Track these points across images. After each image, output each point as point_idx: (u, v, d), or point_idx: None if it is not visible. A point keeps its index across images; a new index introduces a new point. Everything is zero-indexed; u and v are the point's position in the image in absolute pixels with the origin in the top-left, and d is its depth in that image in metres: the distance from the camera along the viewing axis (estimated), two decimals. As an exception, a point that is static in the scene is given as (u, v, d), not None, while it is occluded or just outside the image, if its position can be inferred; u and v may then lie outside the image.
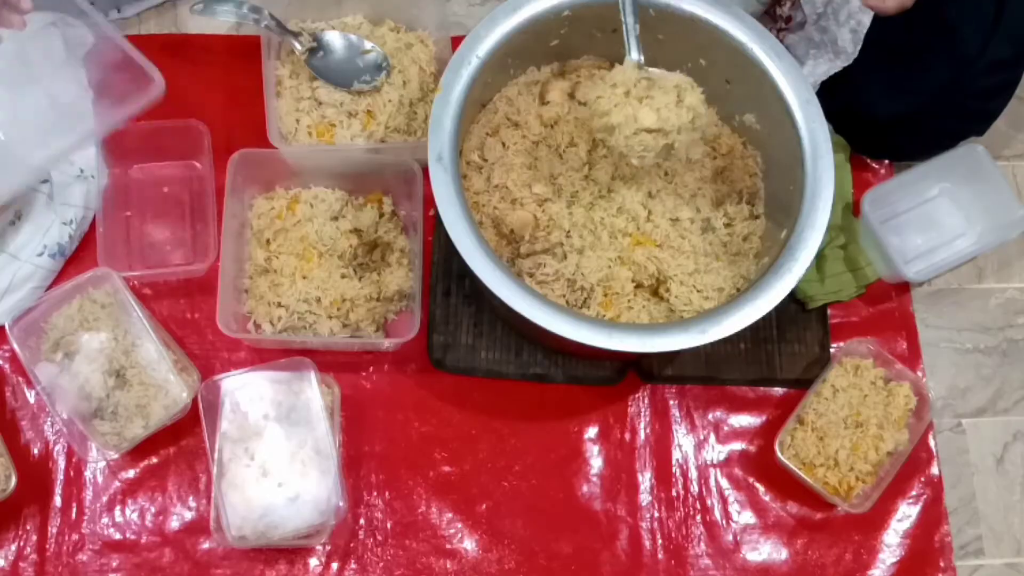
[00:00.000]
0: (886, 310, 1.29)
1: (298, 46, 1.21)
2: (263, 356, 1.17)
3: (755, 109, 1.15)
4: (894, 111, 1.21)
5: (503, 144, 1.16)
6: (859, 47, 1.18)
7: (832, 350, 1.23)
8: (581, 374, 1.19)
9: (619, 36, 1.09)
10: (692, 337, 0.99)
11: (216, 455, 1.07)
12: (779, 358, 1.21)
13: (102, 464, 1.14)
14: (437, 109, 1.03)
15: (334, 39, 1.24)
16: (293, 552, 1.12)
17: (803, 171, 1.06)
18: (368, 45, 1.24)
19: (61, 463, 1.14)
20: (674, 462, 1.20)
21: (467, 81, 1.05)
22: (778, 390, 1.23)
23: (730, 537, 1.17)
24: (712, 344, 0.99)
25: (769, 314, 1.00)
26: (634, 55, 1.04)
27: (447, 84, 1.04)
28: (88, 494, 1.13)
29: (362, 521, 1.14)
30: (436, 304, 1.19)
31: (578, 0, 1.10)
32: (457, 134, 1.03)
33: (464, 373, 1.19)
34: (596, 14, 1.11)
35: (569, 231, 1.11)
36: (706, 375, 1.21)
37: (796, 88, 1.08)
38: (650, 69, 1.04)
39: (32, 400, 1.15)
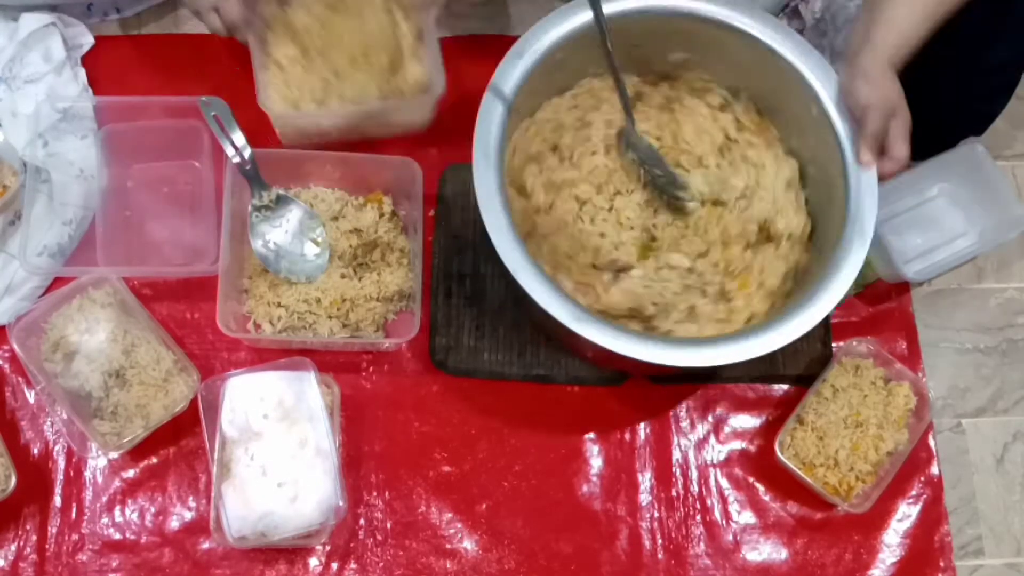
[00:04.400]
0: (886, 310, 1.29)
1: (256, 199, 1.15)
2: (263, 356, 1.17)
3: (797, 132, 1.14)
4: None
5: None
6: None
7: (832, 349, 1.23)
8: (584, 375, 1.19)
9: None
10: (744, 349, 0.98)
11: (216, 455, 1.07)
12: (781, 354, 1.21)
13: (102, 464, 1.14)
14: (486, 109, 1.00)
15: (293, 211, 1.17)
16: (293, 552, 1.12)
17: (846, 189, 1.05)
18: (319, 235, 1.17)
19: (61, 463, 1.14)
20: (674, 462, 1.20)
21: (517, 80, 1.02)
22: (778, 390, 1.23)
23: (730, 537, 1.18)
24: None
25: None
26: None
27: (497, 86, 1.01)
28: (88, 494, 1.13)
29: (362, 521, 1.14)
30: (437, 306, 1.19)
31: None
32: (504, 138, 1.01)
33: (467, 375, 1.19)
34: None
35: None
36: (711, 373, 1.21)
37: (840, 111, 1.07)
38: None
39: (32, 400, 1.15)
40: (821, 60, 1.07)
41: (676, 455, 1.20)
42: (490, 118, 1.01)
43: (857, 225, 1.02)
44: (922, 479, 1.21)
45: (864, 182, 1.04)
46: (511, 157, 1.11)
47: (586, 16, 1.05)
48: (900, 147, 1.04)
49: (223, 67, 1.30)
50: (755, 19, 1.08)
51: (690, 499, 1.19)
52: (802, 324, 0.98)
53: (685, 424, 1.21)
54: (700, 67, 1.15)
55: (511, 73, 1.02)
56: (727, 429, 1.22)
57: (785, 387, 1.24)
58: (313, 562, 1.12)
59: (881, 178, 1.07)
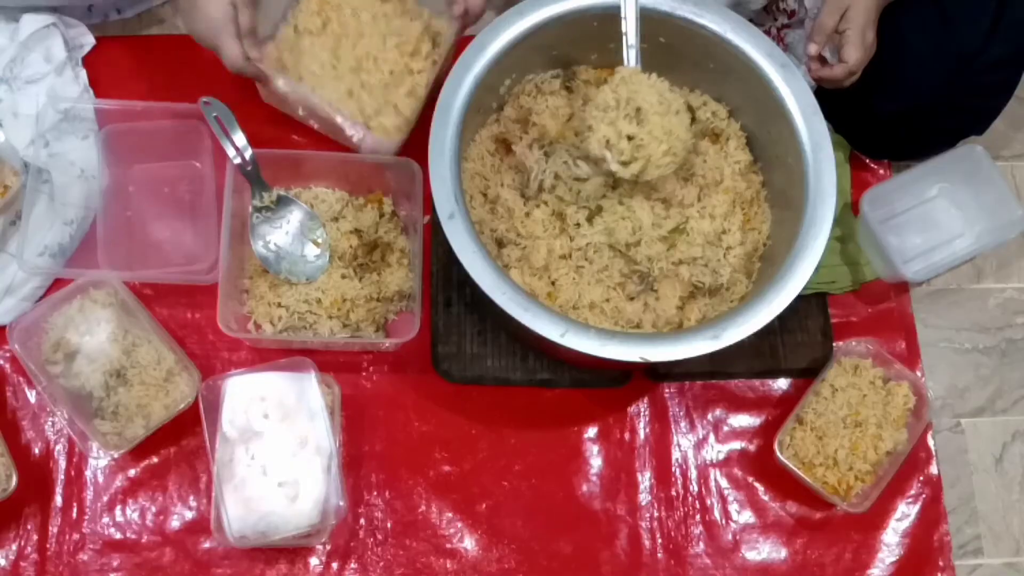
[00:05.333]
0: (885, 310, 1.29)
1: (257, 200, 1.15)
2: (263, 356, 1.17)
3: (753, 111, 1.16)
4: (894, 109, 1.22)
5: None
6: None
7: (833, 340, 1.23)
8: (588, 378, 1.19)
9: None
10: (707, 343, 1.00)
11: (216, 455, 1.07)
12: (783, 348, 1.22)
13: (103, 464, 1.14)
14: (436, 164, 1.02)
15: (293, 212, 1.17)
16: (293, 552, 1.12)
17: (804, 168, 1.07)
18: (320, 236, 1.17)
19: (62, 463, 1.14)
20: (674, 462, 1.20)
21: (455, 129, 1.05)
22: (777, 389, 1.24)
23: (729, 536, 1.18)
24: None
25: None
26: (632, 63, 1.05)
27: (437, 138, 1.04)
28: (89, 494, 1.13)
29: (362, 521, 1.15)
30: (439, 315, 1.19)
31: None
32: (459, 181, 1.03)
33: (472, 382, 1.19)
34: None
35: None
36: (713, 370, 1.22)
37: (796, 92, 1.09)
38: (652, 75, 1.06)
39: (33, 400, 1.16)
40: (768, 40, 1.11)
41: (676, 455, 1.20)
42: (443, 137, 1.04)
43: (818, 192, 1.05)
44: (921, 479, 1.22)
45: (822, 161, 1.07)
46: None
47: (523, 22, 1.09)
48: (849, 51, 1.09)
49: (223, 68, 1.30)
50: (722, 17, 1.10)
51: (690, 499, 1.19)
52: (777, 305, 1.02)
53: (685, 424, 1.22)
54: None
55: (456, 94, 1.05)
56: (726, 429, 1.22)
57: (784, 387, 1.24)
58: (313, 561, 1.12)
59: (830, 82, 1.11)
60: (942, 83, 1.19)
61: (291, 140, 1.28)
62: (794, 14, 1.27)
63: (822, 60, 1.15)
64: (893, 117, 1.23)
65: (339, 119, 1.19)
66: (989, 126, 1.28)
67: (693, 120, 1.18)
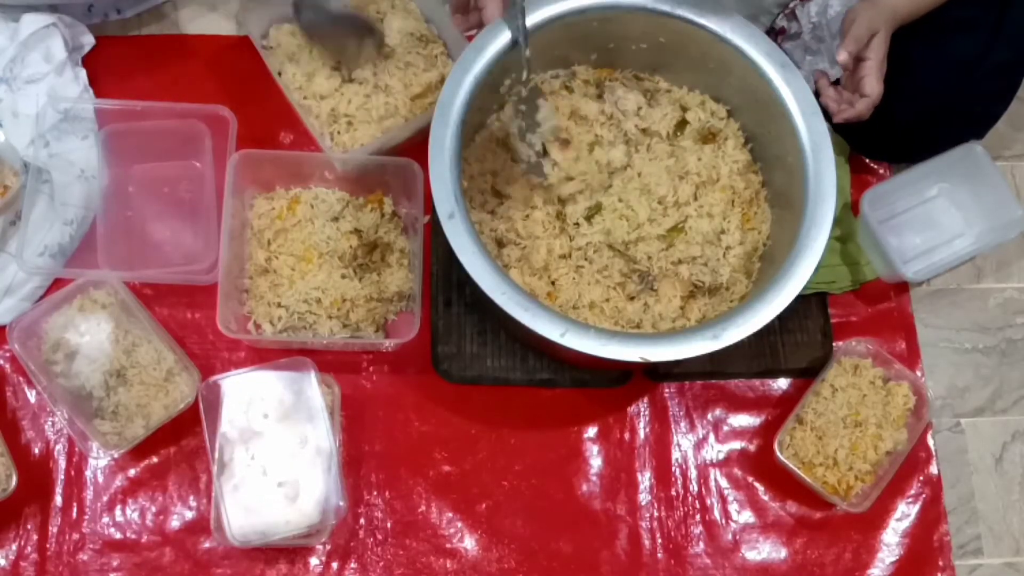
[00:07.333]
0: (885, 310, 1.29)
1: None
2: (263, 356, 1.17)
3: (755, 112, 1.16)
4: (895, 115, 1.22)
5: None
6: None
7: (833, 340, 1.23)
8: (588, 378, 1.19)
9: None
10: (707, 343, 1.00)
11: (216, 455, 1.07)
12: (783, 348, 1.22)
13: (103, 463, 1.14)
14: (436, 164, 1.02)
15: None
16: (293, 551, 1.12)
17: (804, 168, 1.07)
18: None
19: (62, 463, 1.14)
20: (674, 462, 1.20)
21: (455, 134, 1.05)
22: (777, 389, 1.24)
23: (729, 536, 1.18)
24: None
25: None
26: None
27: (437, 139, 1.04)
28: (89, 493, 1.13)
29: (362, 520, 1.14)
30: (439, 315, 1.19)
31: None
32: (459, 181, 1.03)
33: (472, 382, 1.19)
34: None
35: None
36: (713, 370, 1.22)
37: (796, 92, 1.09)
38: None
39: (33, 400, 1.16)
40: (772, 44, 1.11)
41: (676, 455, 1.20)
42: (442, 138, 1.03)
43: (818, 192, 1.05)
44: (921, 479, 1.22)
45: (821, 159, 1.07)
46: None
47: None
48: (872, 83, 1.09)
49: (223, 68, 1.30)
50: (721, 17, 1.10)
51: (689, 499, 1.19)
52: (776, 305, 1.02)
53: (684, 424, 1.22)
54: (666, 68, 1.19)
55: (456, 94, 1.05)
56: (726, 429, 1.22)
57: (784, 387, 1.24)
58: (313, 561, 1.12)
59: (855, 120, 1.11)
60: (943, 90, 1.19)
61: (292, 140, 1.28)
62: (784, 31, 1.27)
63: (836, 91, 1.14)
64: (894, 123, 1.23)
65: (312, 121, 1.21)
66: (989, 130, 1.28)
67: (685, 121, 1.18)
